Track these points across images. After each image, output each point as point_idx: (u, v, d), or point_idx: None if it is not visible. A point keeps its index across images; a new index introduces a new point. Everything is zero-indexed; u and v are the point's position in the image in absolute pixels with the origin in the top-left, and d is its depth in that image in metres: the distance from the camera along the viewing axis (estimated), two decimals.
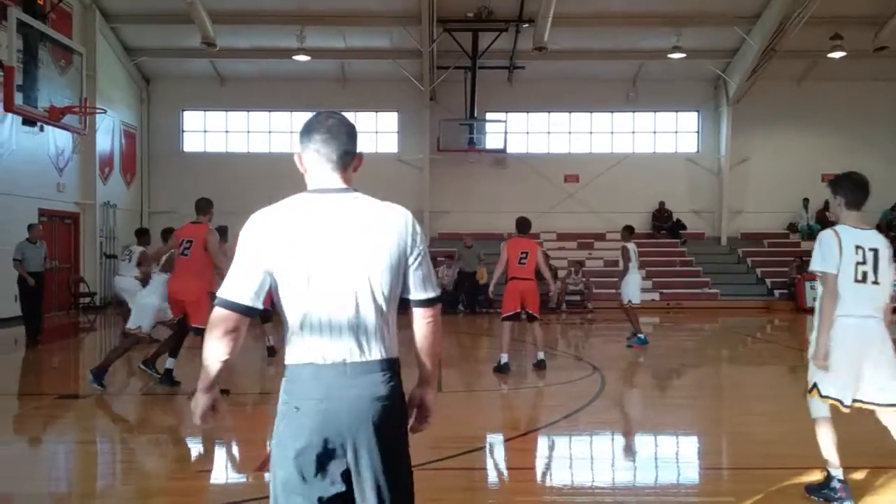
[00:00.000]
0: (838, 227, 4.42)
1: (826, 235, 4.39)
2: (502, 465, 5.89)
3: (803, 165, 21.77)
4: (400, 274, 2.34)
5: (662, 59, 20.48)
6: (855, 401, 4.32)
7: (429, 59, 19.96)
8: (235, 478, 5.44)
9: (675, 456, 6.20)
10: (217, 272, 7.76)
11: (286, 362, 2.33)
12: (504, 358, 9.38)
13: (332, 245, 2.25)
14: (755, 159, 22.24)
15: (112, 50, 19.94)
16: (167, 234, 13.44)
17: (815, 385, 4.38)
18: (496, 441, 6.50)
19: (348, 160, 2.38)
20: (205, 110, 22.73)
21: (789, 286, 19.69)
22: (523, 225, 9.65)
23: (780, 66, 20.57)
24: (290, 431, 2.26)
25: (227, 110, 22.65)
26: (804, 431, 4.68)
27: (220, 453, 6.10)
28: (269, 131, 22.53)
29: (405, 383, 2.42)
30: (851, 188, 4.50)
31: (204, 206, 8.11)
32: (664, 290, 19.53)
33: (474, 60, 20.51)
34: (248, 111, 22.51)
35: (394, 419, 2.32)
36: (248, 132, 22.64)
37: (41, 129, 15.50)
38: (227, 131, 22.76)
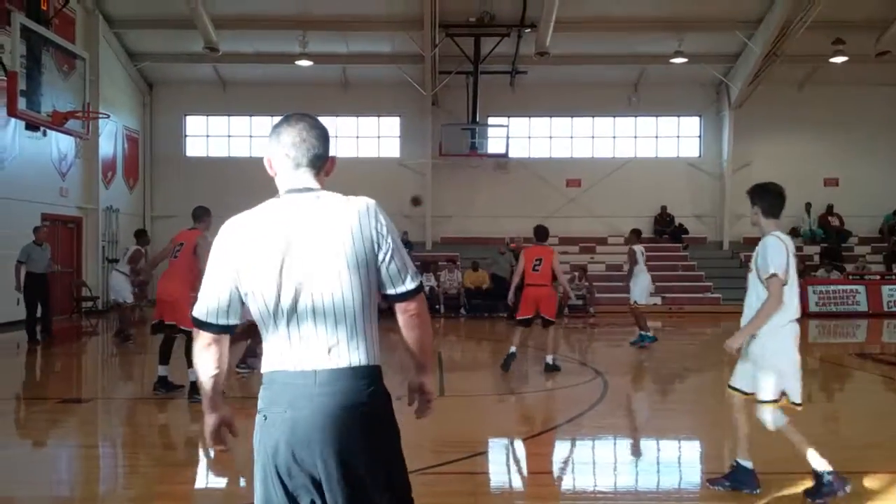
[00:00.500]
0: (779, 234, 4.57)
1: (773, 240, 4.51)
2: (505, 470, 5.88)
3: (805, 170, 21.74)
4: (371, 271, 2.23)
5: (664, 64, 20.49)
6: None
7: (431, 64, 19.98)
8: (237, 481, 5.42)
9: (676, 461, 6.20)
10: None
11: (261, 370, 2.29)
12: (512, 349, 9.65)
13: (296, 248, 2.18)
14: (757, 164, 22.19)
15: (115, 55, 19.98)
16: (140, 235, 13.61)
17: (783, 393, 4.49)
18: (499, 445, 6.50)
19: (319, 164, 2.32)
20: (207, 115, 22.76)
21: None
22: (540, 232, 9.96)
23: (782, 70, 20.57)
24: (262, 443, 2.22)
25: (229, 115, 22.68)
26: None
27: (221, 456, 6.10)
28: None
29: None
30: (769, 198, 4.67)
31: (199, 214, 8.13)
32: (666, 295, 19.48)
33: (476, 65, 20.53)
34: (251, 116, 22.53)
35: (374, 428, 2.21)
36: (251, 136, 22.68)
37: (44, 134, 15.51)
38: (229, 136, 22.80)
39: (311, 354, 2.18)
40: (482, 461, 5.87)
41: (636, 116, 22.88)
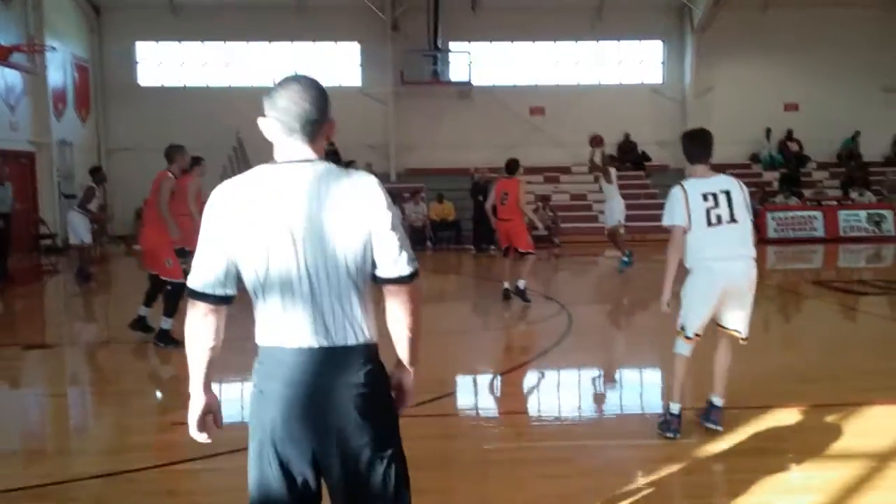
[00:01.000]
0: (685, 181, 4.81)
1: (674, 190, 4.80)
2: (474, 411, 6.01)
3: (767, 95, 21.85)
4: (368, 248, 2.17)
5: None
6: (719, 325, 4.85)
7: None
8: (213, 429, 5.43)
9: (639, 394, 6.38)
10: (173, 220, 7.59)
11: (256, 342, 2.26)
12: (505, 284, 10.13)
13: (292, 221, 2.12)
14: (719, 89, 22.24)
15: None
16: (94, 172, 13.17)
17: (682, 327, 4.80)
18: (467, 385, 6.62)
19: (314, 129, 2.20)
20: (158, 40, 21.92)
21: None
22: (509, 166, 10.18)
23: None
24: (257, 416, 2.22)
25: (181, 40, 21.88)
26: (770, 369, 4.83)
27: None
28: (227, 63, 21.90)
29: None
30: (689, 145, 4.89)
31: (169, 153, 7.76)
32: (629, 224, 19.64)
33: None
34: (203, 41, 21.79)
35: (370, 407, 2.19)
36: (205, 64, 21.98)
37: None
38: (182, 63, 22.04)
39: (307, 331, 2.16)
40: (451, 402, 5.98)
41: (599, 41, 22.61)
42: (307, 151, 2.21)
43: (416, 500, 2.33)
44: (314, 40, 21.76)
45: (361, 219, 2.15)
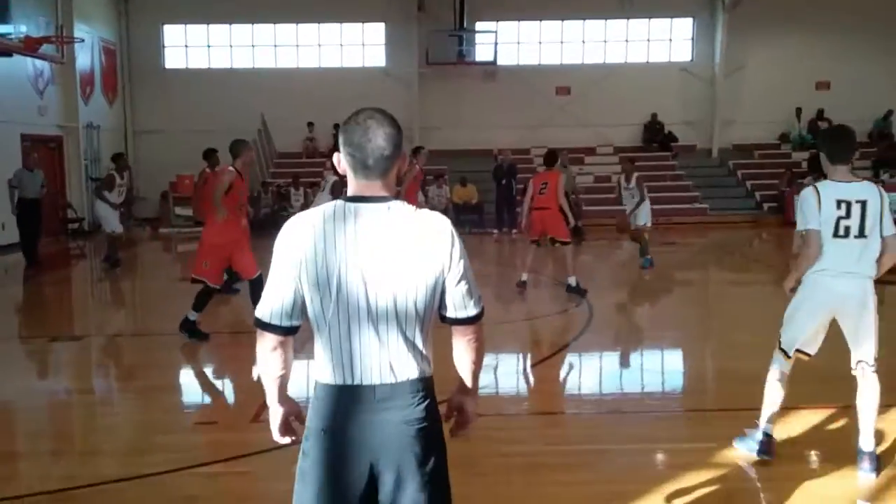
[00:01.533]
0: (819, 184, 4.35)
1: (806, 192, 4.33)
2: (494, 412, 5.98)
3: (798, 73, 21.37)
4: (437, 290, 2.24)
5: None
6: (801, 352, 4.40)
7: None
8: (236, 430, 5.36)
9: (662, 395, 6.32)
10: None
11: (316, 378, 2.30)
12: (523, 276, 10.26)
13: (363, 261, 2.16)
14: (750, 67, 21.78)
15: None
16: (116, 158, 13.29)
17: (780, 339, 4.45)
18: (486, 383, 6.61)
19: (387, 165, 2.24)
20: (185, 23, 21.93)
21: (779, 199, 19.66)
22: (548, 157, 10.41)
23: None
24: (316, 454, 2.25)
25: (208, 23, 21.88)
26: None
27: (219, 403, 6.17)
28: (253, 45, 21.89)
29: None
30: (829, 142, 4.46)
31: (234, 148, 7.37)
32: (654, 207, 19.41)
33: None
34: (231, 24, 21.76)
35: (428, 442, 2.24)
36: (231, 46, 21.99)
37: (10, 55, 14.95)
38: (209, 46, 22.07)
39: (370, 368, 2.20)
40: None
41: (628, 19, 22.18)
42: (378, 188, 2.24)
43: None
44: (341, 22, 21.65)
45: (434, 264, 2.21)
